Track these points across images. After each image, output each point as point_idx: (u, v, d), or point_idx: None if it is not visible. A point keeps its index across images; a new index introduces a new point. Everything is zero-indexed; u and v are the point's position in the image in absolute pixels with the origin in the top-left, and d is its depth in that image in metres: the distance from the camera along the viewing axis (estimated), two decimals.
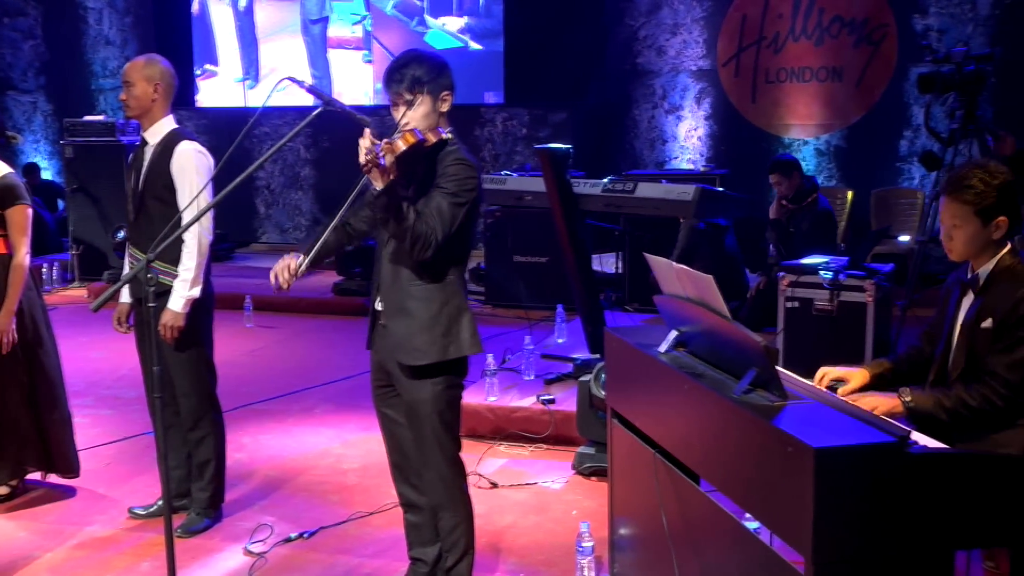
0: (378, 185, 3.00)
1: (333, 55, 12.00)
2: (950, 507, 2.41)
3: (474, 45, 11.19)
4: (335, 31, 12.02)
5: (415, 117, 3.18)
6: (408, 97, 3.18)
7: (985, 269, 3.13)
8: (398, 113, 3.22)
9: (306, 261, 3.23)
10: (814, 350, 5.75)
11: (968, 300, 3.19)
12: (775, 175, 7.21)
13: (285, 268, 3.24)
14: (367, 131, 2.98)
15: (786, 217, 7.18)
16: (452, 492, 3.40)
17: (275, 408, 6.12)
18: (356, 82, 11.81)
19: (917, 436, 2.74)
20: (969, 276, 3.20)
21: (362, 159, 2.95)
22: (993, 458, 2.59)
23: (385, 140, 3.00)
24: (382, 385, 3.49)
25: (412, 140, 3.08)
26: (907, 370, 3.38)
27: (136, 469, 5.04)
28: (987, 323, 3.05)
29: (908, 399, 3.05)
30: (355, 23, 11.89)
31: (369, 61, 11.80)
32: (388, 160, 2.97)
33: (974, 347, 3.09)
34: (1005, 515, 2.48)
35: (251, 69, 12.36)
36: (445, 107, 3.27)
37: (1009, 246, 3.13)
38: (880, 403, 3.06)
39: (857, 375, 3.28)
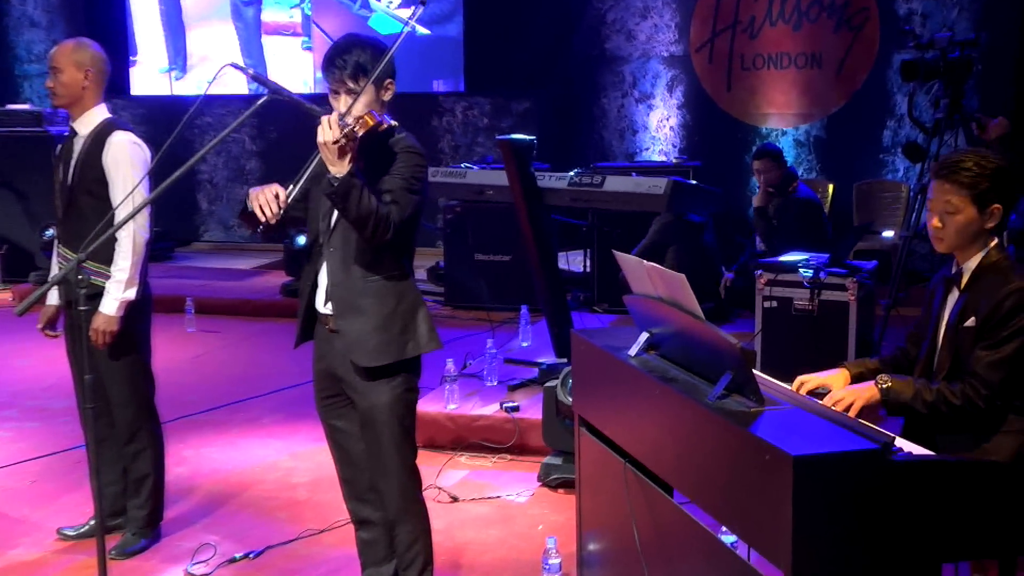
0: (340, 169, 2.99)
1: (268, 42, 11.77)
2: (936, 517, 2.44)
3: (421, 30, 11.11)
4: (270, 15, 11.80)
5: (358, 106, 3.18)
6: (351, 85, 3.18)
7: (970, 265, 3.16)
8: (339, 102, 3.20)
9: (295, 189, 3.12)
10: (793, 352, 5.80)
11: (953, 297, 3.22)
12: (762, 161, 7.29)
13: (273, 197, 3.05)
14: (327, 118, 2.97)
15: (772, 209, 7.29)
16: (410, 504, 3.40)
17: (219, 418, 6.08)
18: (294, 71, 11.64)
19: (901, 442, 2.77)
20: (953, 271, 3.22)
21: (332, 136, 2.94)
22: (981, 465, 2.63)
23: (350, 124, 3.00)
24: (329, 395, 3.47)
25: (371, 123, 3.07)
26: (891, 372, 3.41)
27: (65, 486, 4.98)
28: (970, 322, 3.08)
29: (886, 384, 3.07)
30: (292, 6, 11.69)
31: (308, 48, 11.61)
32: (360, 132, 2.98)
33: (959, 347, 3.12)
34: (994, 525, 2.51)
35: (178, 58, 12.10)
36: (388, 95, 3.28)
37: (996, 241, 3.16)
38: (858, 394, 3.08)
39: (837, 379, 3.30)
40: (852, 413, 3.00)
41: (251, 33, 11.90)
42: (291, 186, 3.14)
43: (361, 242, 3.17)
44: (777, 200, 7.27)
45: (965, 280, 3.17)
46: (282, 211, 3.06)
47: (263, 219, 3.06)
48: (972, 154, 3.14)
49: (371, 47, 3.22)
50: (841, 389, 3.17)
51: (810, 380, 3.28)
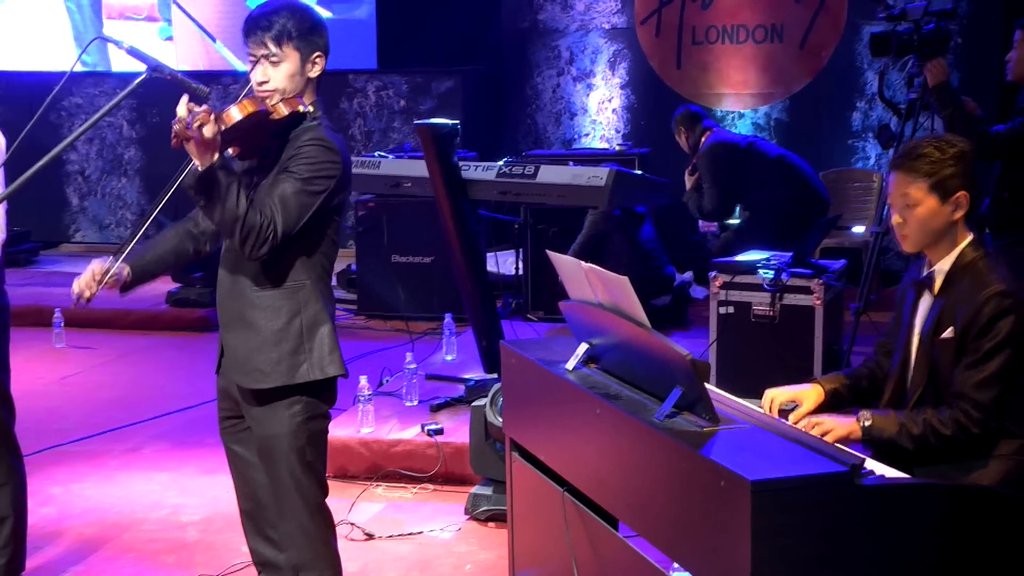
0: (201, 163, 2.97)
1: (114, 28, 11.19)
2: (910, 546, 2.48)
3: (324, 12, 10.91)
4: None
5: (278, 77, 3.18)
6: (273, 48, 3.17)
7: (943, 266, 3.21)
8: (257, 71, 3.20)
9: (116, 263, 3.21)
10: (753, 364, 5.87)
11: (925, 303, 3.27)
12: (677, 129, 7.68)
13: (89, 273, 3.22)
14: (184, 98, 2.95)
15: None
16: (316, 548, 3.38)
17: (93, 449, 6.00)
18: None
19: (872, 464, 2.82)
20: (924, 274, 3.28)
21: (173, 131, 2.93)
22: (959, 489, 2.68)
23: (206, 108, 2.97)
24: (229, 416, 3.46)
25: (251, 109, 3.06)
26: (867, 387, 3.46)
27: None
28: (948, 333, 3.13)
29: (868, 422, 3.11)
30: None
31: (169, 38, 11.22)
32: (207, 132, 2.93)
33: (936, 361, 3.17)
34: (973, 554, 2.57)
35: None
36: (315, 72, 3.28)
37: (971, 237, 3.21)
38: (835, 427, 3.12)
39: (810, 394, 3.35)
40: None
41: (87, 18, 11.37)
42: (111, 258, 3.25)
43: None
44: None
45: (938, 284, 3.22)
46: (101, 286, 3.22)
47: (75, 297, 3.22)
48: (930, 139, 3.21)
49: (301, 13, 3.24)
50: (817, 417, 3.19)
51: (780, 394, 3.32)
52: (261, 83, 3.21)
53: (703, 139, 7.52)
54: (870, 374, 3.48)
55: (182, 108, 2.94)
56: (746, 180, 7.39)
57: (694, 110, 7.83)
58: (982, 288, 3.09)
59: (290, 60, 3.20)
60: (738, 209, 8.05)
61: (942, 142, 3.17)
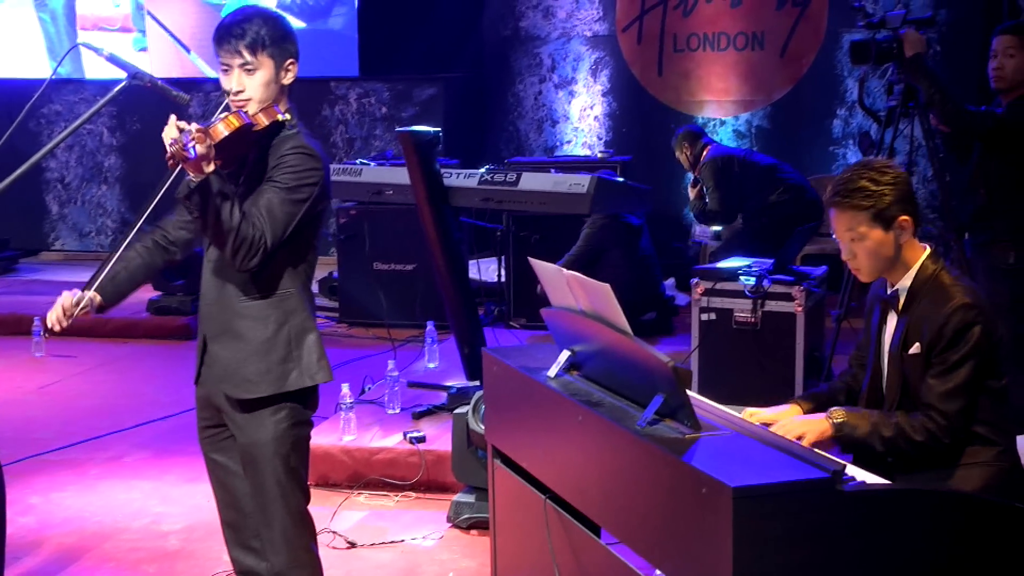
0: (195, 177, 2.97)
1: (88, 39, 11.15)
2: (891, 552, 2.49)
3: (296, 23, 10.90)
4: (87, 4, 11.32)
5: (253, 86, 3.17)
6: (248, 57, 3.16)
7: (904, 284, 3.25)
8: (230, 81, 3.19)
9: (87, 295, 3.26)
10: (734, 371, 5.88)
11: (892, 320, 3.31)
12: (677, 149, 7.98)
13: (60, 308, 3.25)
14: (172, 118, 2.95)
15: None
16: (298, 556, 3.38)
17: (74, 457, 5.97)
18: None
19: (854, 470, 2.83)
20: (888, 292, 3.31)
21: (168, 151, 2.92)
22: (939, 495, 2.70)
23: (196, 127, 2.97)
24: (210, 425, 3.46)
25: (237, 124, 3.06)
26: (844, 401, 3.48)
27: None
28: (915, 348, 3.17)
29: (839, 419, 3.14)
30: None
31: (143, 49, 11.20)
32: (201, 149, 2.93)
33: (907, 376, 3.21)
34: (956, 560, 2.58)
35: None
36: (288, 79, 3.28)
37: (928, 250, 3.25)
38: (807, 428, 3.15)
39: (787, 414, 3.36)
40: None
41: (61, 28, 11.32)
42: (82, 291, 3.29)
43: None
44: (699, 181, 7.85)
45: (902, 301, 3.25)
46: (71, 318, 3.25)
47: (55, 330, 3.26)
48: (862, 170, 3.21)
49: (273, 21, 3.24)
50: (787, 421, 3.23)
51: (758, 414, 3.34)
52: (236, 92, 3.19)
53: (703, 154, 7.79)
54: (847, 388, 3.51)
55: (173, 129, 2.93)
56: (744, 187, 7.63)
57: (696, 129, 8.16)
58: (946, 302, 3.13)
59: (265, 68, 3.20)
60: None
61: (874, 171, 3.19)
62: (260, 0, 10.71)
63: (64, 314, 3.24)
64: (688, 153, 7.89)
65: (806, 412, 3.38)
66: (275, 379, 3.26)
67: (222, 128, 3.04)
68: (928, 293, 3.19)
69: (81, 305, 3.26)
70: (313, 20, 10.95)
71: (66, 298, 3.26)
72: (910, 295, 3.23)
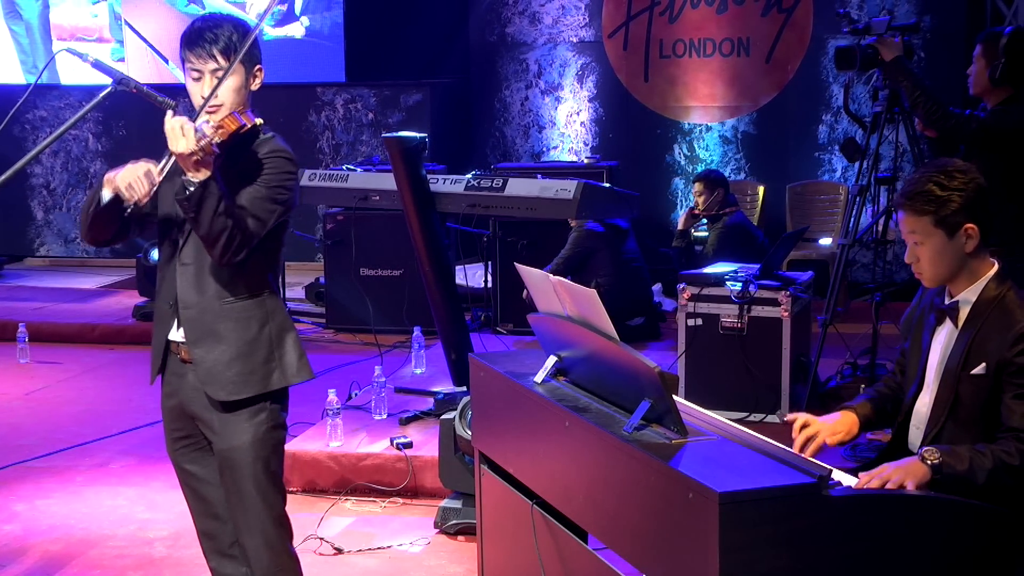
0: (198, 176, 2.96)
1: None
2: (878, 556, 2.50)
3: (271, 33, 10.75)
4: (63, 15, 11.22)
5: (224, 91, 3.16)
6: (220, 62, 3.16)
7: (967, 298, 3.12)
8: (200, 86, 3.18)
9: (168, 163, 3.03)
10: (721, 376, 5.90)
11: (945, 332, 3.17)
12: (697, 184, 7.84)
13: (144, 175, 2.99)
14: (181, 118, 2.94)
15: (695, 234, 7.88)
16: (281, 559, 3.37)
17: (58, 464, 5.95)
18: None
19: (840, 475, 2.83)
20: (947, 303, 3.17)
21: (186, 148, 2.90)
22: (929, 500, 2.70)
23: (206, 122, 2.98)
24: (181, 436, 3.44)
25: (237, 124, 3.06)
26: (892, 411, 3.34)
27: None
28: (979, 369, 3.02)
29: (935, 460, 2.87)
30: (95, 2, 11.17)
31: (121, 59, 11.14)
32: (217, 142, 2.97)
33: (959, 395, 3.06)
34: (945, 566, 2.58)
35: None
36: (256, 85, 3.29)
37: (995, 268, 3.13)
38: (908, 472, 2.85)
39: (845, 423, 3.25)
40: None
41: (36, 39, 11.22)
42: (163, 161, 3.04)
43: None
44: (712, 227, 7.75)
45: (963, 316, 3.12)
46: (155, 187, 3.02)
47: (133, 199, 3.01)
48: (932, 174, 3.10)
49: (242, 27, 3.23)
50: (884, 466, 2.90)
51: (818, 427, 3.18)
52: (207, 98, 3.17)
53: (725, 212, 7.70)
54: (893, 396, 3.37)
55: (189, 127, 2.90)
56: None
57: (721, 176, 8.07)
58: (1012, 325, 3.00)
59: (237, 73, 3.18)
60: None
61: (943, 176, 3.08)
62: (252, 5, 10.77)
63: (151, 183, 3.01)
64: (705, 196, 7.74)
65: (861, 418, 3.26)
66: (259, 380, 3.26)
67: (230, 125, 3.04)
68: (992, 312, 3.06)
69: (167, 170, 3.05)
70: (309, 23, 10.95)
71: (149, 165, 3.02)
72: (974, 311, 3.10)
